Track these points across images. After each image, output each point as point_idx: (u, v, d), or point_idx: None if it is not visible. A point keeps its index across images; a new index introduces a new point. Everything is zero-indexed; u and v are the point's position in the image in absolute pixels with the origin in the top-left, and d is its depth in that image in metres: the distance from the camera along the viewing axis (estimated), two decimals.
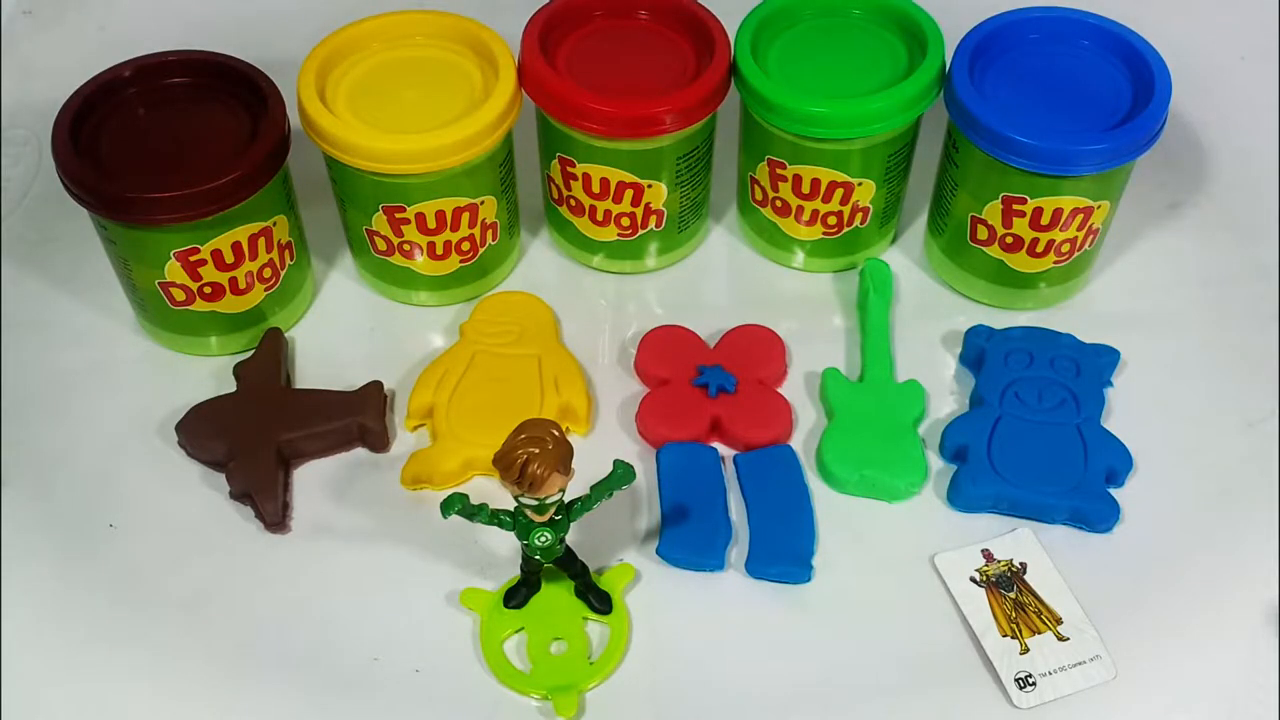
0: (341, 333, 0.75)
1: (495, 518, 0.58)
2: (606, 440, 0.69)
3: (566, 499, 0.58)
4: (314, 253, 0.76)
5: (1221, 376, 0.72)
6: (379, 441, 0.69)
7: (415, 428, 0.70)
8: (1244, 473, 0.68)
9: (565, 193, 0.74)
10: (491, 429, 0.63)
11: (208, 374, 0.72)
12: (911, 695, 0.61)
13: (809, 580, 0.64)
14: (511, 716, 0.60)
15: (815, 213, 0.74)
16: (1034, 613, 0.62)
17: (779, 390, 0.71)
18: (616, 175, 0.71)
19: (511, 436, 0.55)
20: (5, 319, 0.74)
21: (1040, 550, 0.65)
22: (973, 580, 0.64)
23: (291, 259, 0.72)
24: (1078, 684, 0.60)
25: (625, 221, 0.74)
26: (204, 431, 0.67)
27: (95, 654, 0.61)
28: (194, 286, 0.69)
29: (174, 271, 0.67)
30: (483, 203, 0.71)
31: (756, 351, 0.72)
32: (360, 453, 0.69)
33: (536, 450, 0.54)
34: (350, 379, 0.70)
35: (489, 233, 0.73)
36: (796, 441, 0.69)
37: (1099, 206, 0.69)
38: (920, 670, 0.61)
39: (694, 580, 0.64)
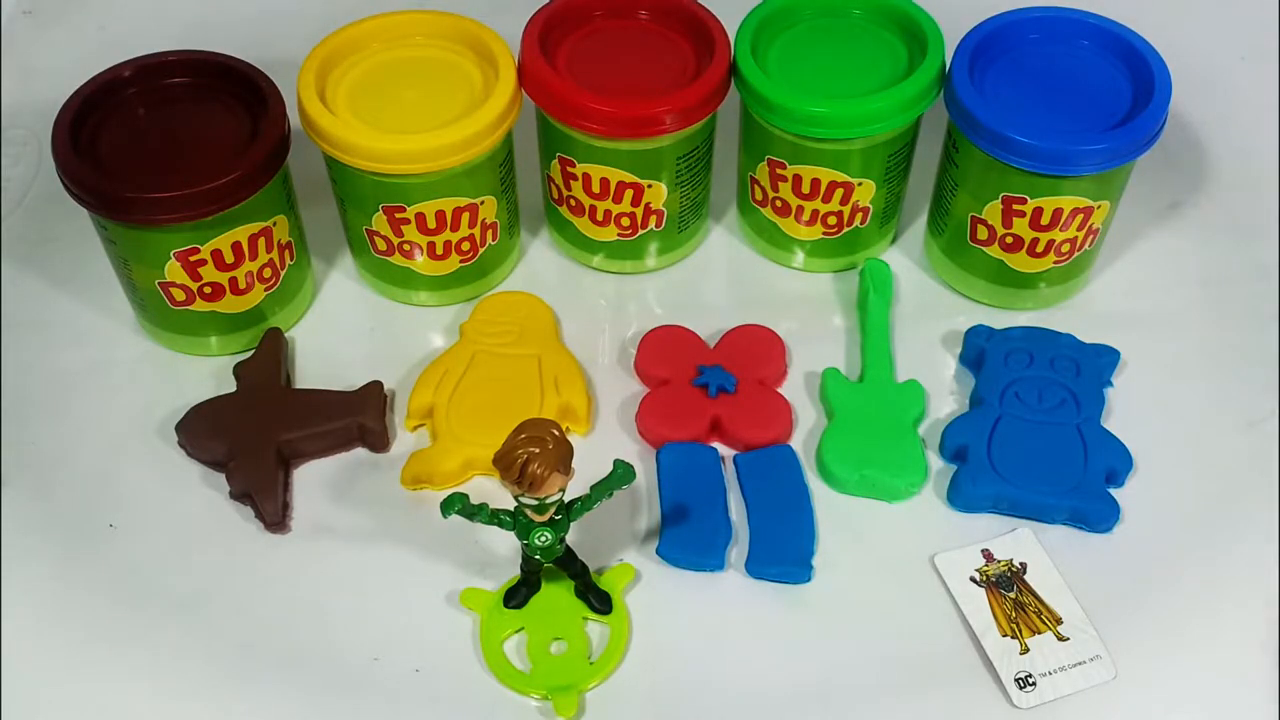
0: (341, 333, 0.75)
1: (495, 518, 0.58)
2: (606, 440, 0.69)
3: (566, 499, 0.58)
4: (314, 253, 0.76)
5: (1221, 376, 0.72)
6: (379, 441, 0.69)
7: (415, 428, 0.70)
8: (1244, 473, 0.68)
9: (565, 193, 0.74)
10: (491, 429, 0.63)
11: (208, 374, 0.72)
12: (911, 695, 0.61)
13: (809, 580, 0.64)
14: (511, 716, 0.60)
15: (815, 213, 0.74)
16: (1034, 613, 0.62)
17: (779, 390, 0.71)
18: (616, 175, 0.71)
19: (511, 436, 0.55)
20: (5, 319, 0.74)
21: (1040, 550, 0.65)
22: (973, 580, 0.64)
23: (291, 259, 0.72)
24: (1078, 684, 0.60)
25: (625, 221, 0.74)
26: (204, 431, 0.67)
27: (95, 654, 0.61)
28: (194, 286, 0.69)
29: (174, 271, 0.67)
30: (483, 203, 0.71)
31: (756, 351, 0.72)
32: (360, 453, 0.69)
33: (536, 450, 0.54)
34: (350, 379, 0.70)
35: (489, 233, 0.73)
36: (796, 441, 0.69)
37: (1099, 206, 0.69)
38: (920, 670, 0.61)
39: (694, 580, 0.64)
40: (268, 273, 0.70)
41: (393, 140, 0.67)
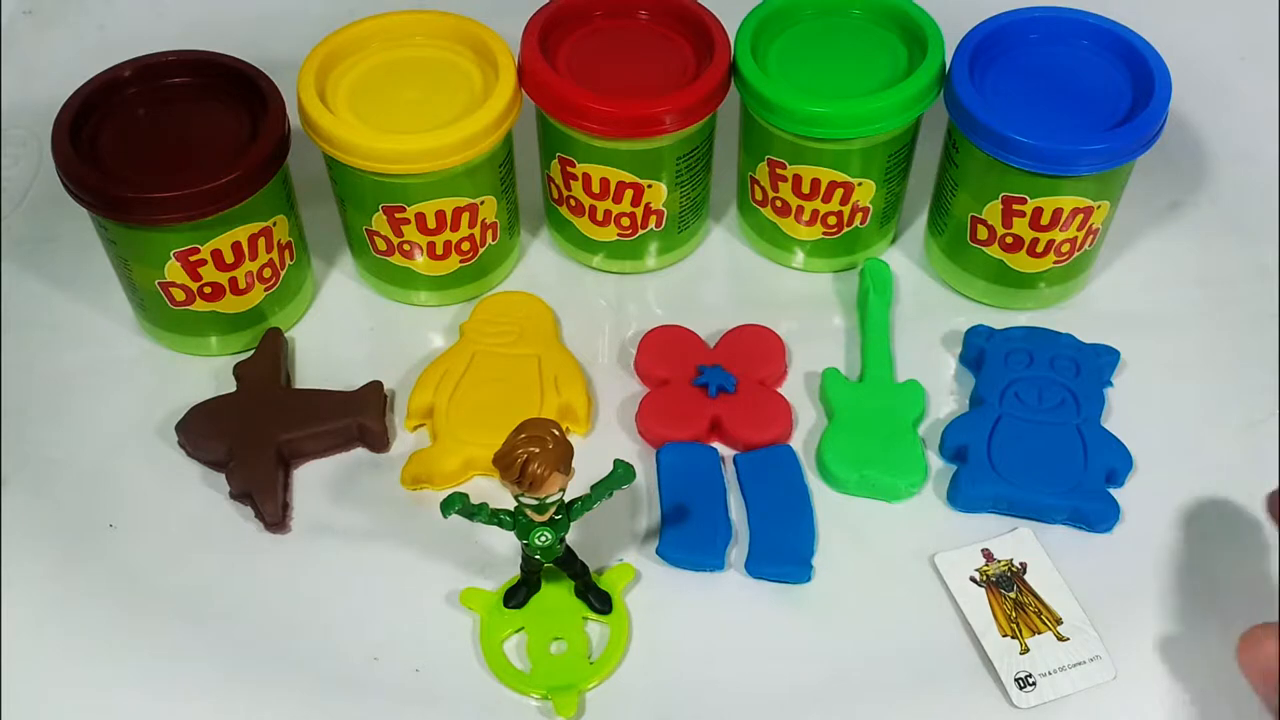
0: (341, 333, 0.75)
1: (495, 517, 0.58)
2: (606, 440, 0.69)
3: (566, 499, 0.58)
4: (314, 253, 0.76)
5: (1221, 376, 0.72)
6: (379, 441, 0.69)
7: (415, 428, 0.70)
8: (1244, 473, 0.68)
9: (565, 193, 0.74)
10: (491, 429, 0.63)
11: (208, 374, 0.72)
12: (911, 695, 0.61)
13: (809, 580, 0.64)
14: (511, 716, 0.60)
15: (815, 213, 0.74)
16: (1034, 613, 0.62)
17: (779, 390, 0.71)
18: (616, 175, 0.71)
19: (511, 436, 0.55)
20: (5, 319, 0.74)
21: (1040, 550, 0.65)
22: (973, 580, 0.64)
23: (291, 259, 0.72)
24: (1078, 684, 0.60)
25: (625, 221, 0.74)
26: (204, 431, 0.67)
27: (95, 654, 0.61)
28: (194, 286, 0.69)
29: (174, 271, 0.67)
30: (483, 203, 0.71)
31: (756, 351, 0.72)
32: (360, 453, 0.69)
33: (537, 450, 0.54)
34: (350, 379, 0.70)
35: (489, 233, 0.73)
36: (796, 441, 0.69)
37: (1099, 206, 0.69)
38: (920, 670, 0.61)
39: (694, 580, 0.64)
40: (268, 273, 0.70)
41: (393, 140, 0.67)
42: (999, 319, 0.74)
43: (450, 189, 0.69)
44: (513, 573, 0.63)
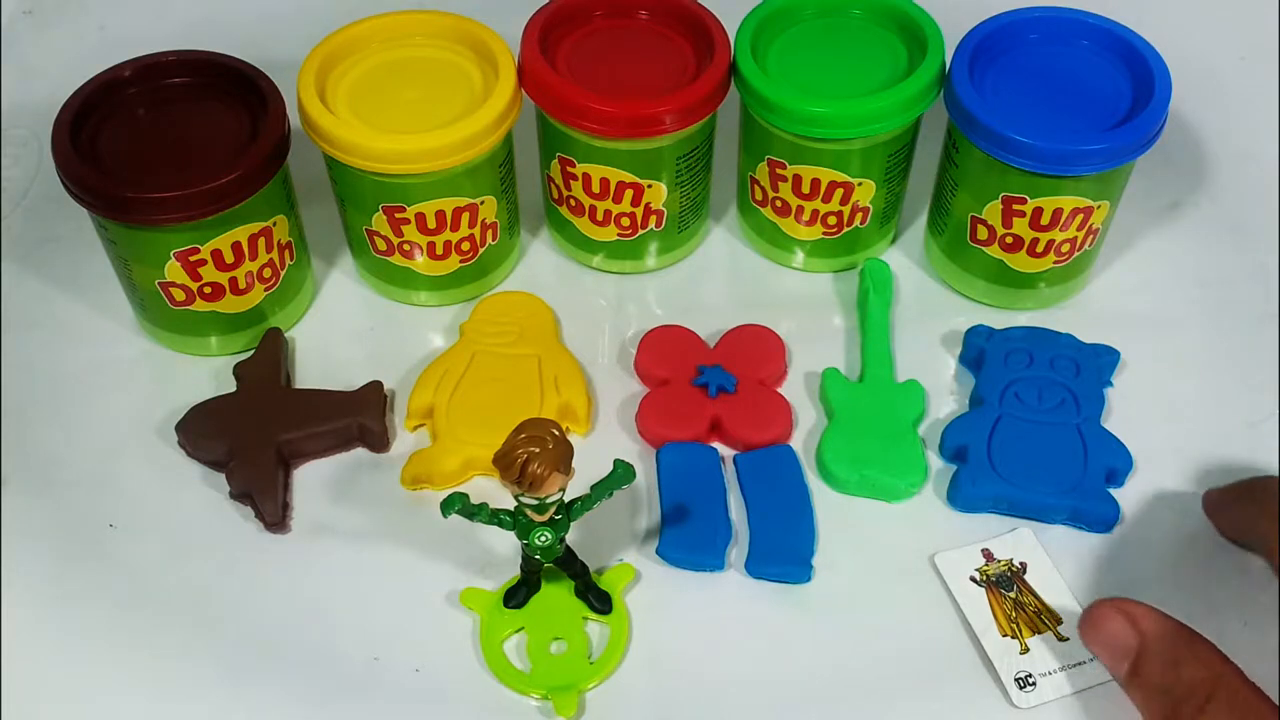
0: (341, 333, 0.75)
1: (495, 517, 0.58)
2: (606, 440, 0.69)
3: (566, 499, 0.58)
4: (314, 253, 0.76)
5: (1221, 376, 0.72)
6: (379, 441, 0.69)
7: (415, 428, 0.70)
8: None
9: (565, 193, 0.74)
10: (491, 429, 0.63)
11: (208, 374, 0.72)
12: (911, 695, 0.60)
13: (809, 580, 0.64)
14: (511, 716, 0.60)
15: (815, 213, 0.74)
16: (1034, 612, 0.62)
17: (779, 390, 0.71)
18: (616, 175, 0.71)
19: (511, 436, 0.55)
20: (5, 319, 0.74)
21: (1040, 550, 0.65)
22: (973, 580, 0.64)
23: (291, 259, 0.72)
24: (1078, 684, 0.60)
25: (625, 221, 0.74)
26: (204, 431, 0.67)
27: (95, 654, 0.61)
28: (194, 286, 0.69)
29: (174, 271, 0.67)
30: (483, 203, 0.71)
31: (756, 351, 0.72)
32: (360, 453, 0.69)
33: (537, 449, 0.54)
34: (350, 379, 0.70)
35: (489, 233, 0.73)
36: (796, 441, 0.69)
37: (1099, 206, 0.69)
38: (920, 670, 0.61)
39: (694, 580, 0.64)
40: (268, 273, 0.70)
41: (393, 140, 0.67)
42: (999, 319, 0.74)
43: (450, 189, 0.69)
44: (513, 573, 0.63)
